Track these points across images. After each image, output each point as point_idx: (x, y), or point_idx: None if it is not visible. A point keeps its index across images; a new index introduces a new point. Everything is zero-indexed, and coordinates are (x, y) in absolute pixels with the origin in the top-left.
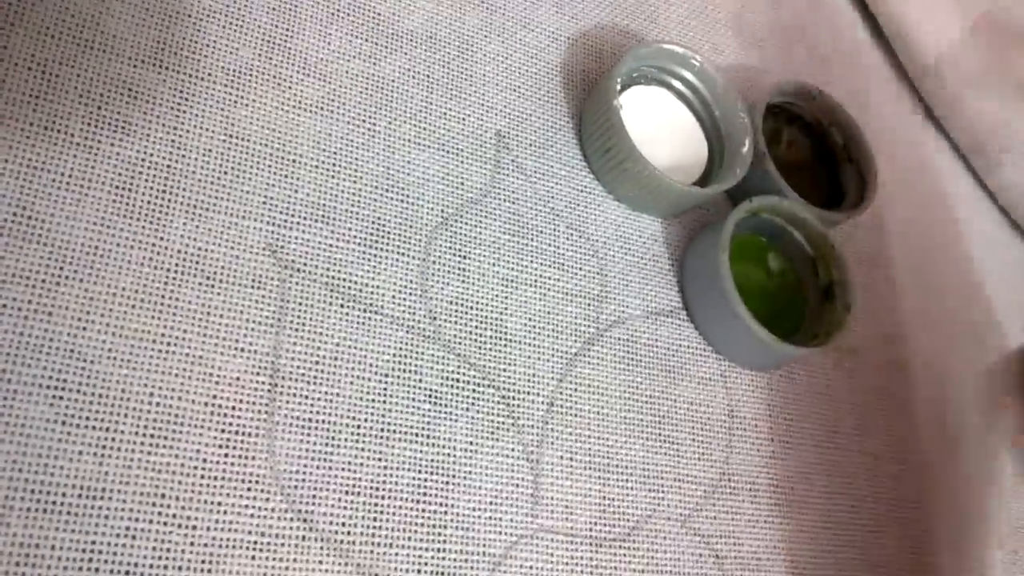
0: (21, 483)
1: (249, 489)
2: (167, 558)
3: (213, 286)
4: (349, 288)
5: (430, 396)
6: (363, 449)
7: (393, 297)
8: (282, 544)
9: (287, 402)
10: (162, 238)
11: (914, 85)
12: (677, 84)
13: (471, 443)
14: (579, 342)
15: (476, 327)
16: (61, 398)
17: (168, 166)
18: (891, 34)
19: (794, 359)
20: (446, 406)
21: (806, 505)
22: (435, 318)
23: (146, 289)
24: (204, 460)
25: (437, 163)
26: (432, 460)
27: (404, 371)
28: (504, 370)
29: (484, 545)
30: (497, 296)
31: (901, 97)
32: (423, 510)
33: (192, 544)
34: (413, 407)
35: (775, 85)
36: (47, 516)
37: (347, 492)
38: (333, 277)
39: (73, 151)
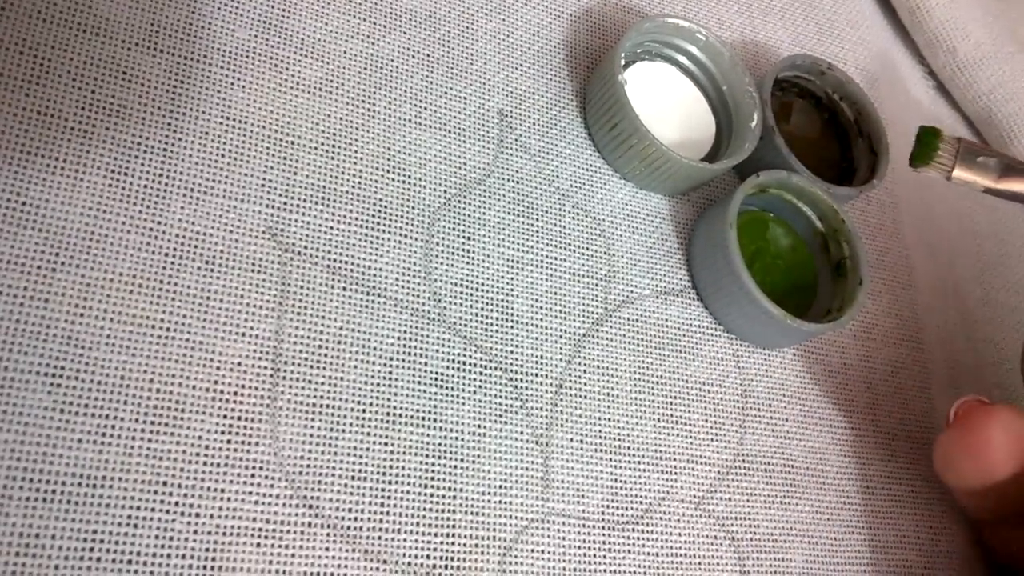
0: (20, 472)
1: (253, 476)
2: (170, 546)
3: (212, 270)
4: (351, 271)
5: (436, 379)
6: (369, 434)
7: (396, 279)
8: (287, 531)
9: (290, 387)
10: (159, 222)
11: (925, 58)
12: (682, 59)
13: (479, 426)
14: (587, 323)
15: (482, 309)
16: (59, 385)
17: (164, 150)
18: (901, 7)
19: (807, 337)
20: (453, 389)
21: (822, 485)
22: (440, 300)
23: (144, 274)
24: (206, 447)
25: (439, 143)
26: (439, 444)
27: (409, 354)
28: (511, 352)
29: (494, 529)
30: (503, 277)
31: (912, 70)
32: (431, 495)
33: (195, 532)
34: (419, 391)
35: (783, 59)
36: (47, 505)
37: (353, 477)
38: (335, 260)
39: (67, 136)
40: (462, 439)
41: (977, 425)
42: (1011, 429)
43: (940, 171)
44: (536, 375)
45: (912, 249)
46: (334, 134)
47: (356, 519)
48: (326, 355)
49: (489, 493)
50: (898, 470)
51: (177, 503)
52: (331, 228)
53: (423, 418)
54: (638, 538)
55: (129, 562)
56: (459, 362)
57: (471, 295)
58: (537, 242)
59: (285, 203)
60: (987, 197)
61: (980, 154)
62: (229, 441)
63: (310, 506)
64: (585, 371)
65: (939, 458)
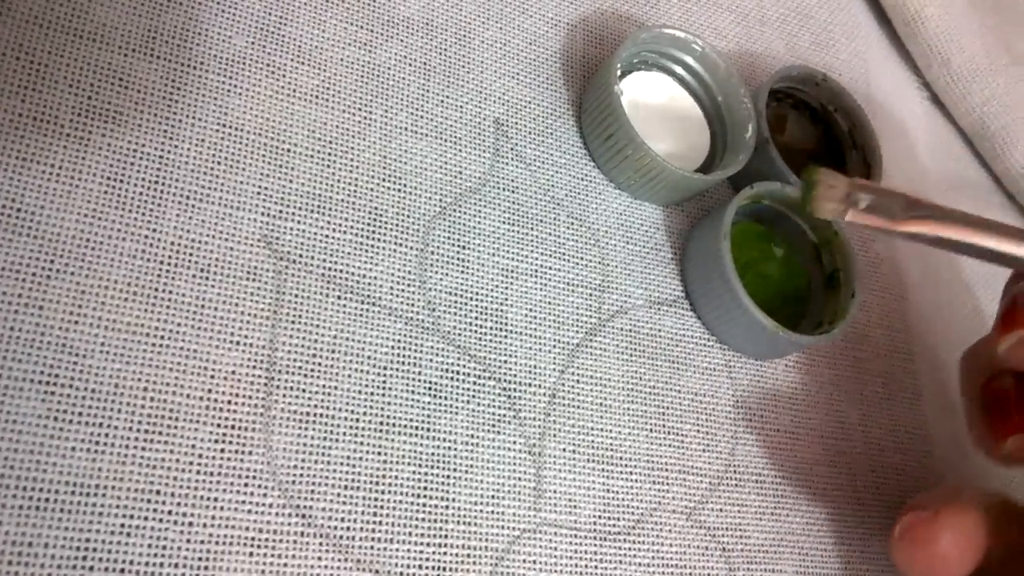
0: (13, 480)
1: (246, 485)
2: (163, 555)
3: (207, 278)
4: (346, 279)
5: (430, 388)
6: (362, 443)
7: (391, 288)
8: (280, 540)
9: (284, 396)
10: (155, 230)
11: (920, 70)
12: (679, 70)
13: (472, 436)
14: (581, 333)
15: (476, 318)
16: (53, 393)
17: (160, 156)
18: (896, 18)
19: (798, 348)
20: (446, 399)
21: (813, 497)
22: (434, 309)
23: (139, 282)
24: (200, 455)
25: (435, 152)
26: (432, 454)
27: (403, 363)
28: (505, 361)
29: (487, 539)
30: (497, 287)
31: (907, 82)
32: (424, 504)
33: (188, 541)
34: (412, 400)
35: (779, 70)
36: (40, 513)
37: (346, 487)
38: (330, 268)
39: (63, 142)
40: (455, 449)
41: (924, 541)
42: (959, 535)
43: (833, 213)
44: (529, 385)
45: (905, 262)
46: (330, 142)
47: (349, 528)
48: (320, 364)
49: (482, 503)
50: (888, 481)
51: (170, 512)
52: (326, 236)
53: (416, 427)
54: (630, 548)
55: (122, 571)
56: (453, 371)
57: (465, 304)
58: (532, 251)
59: (280, 211)
60: (980, 209)
61: (876, 194)
62: (222, 450)
63: (303, 515)
64: (578, 381)
65: (897, 564)
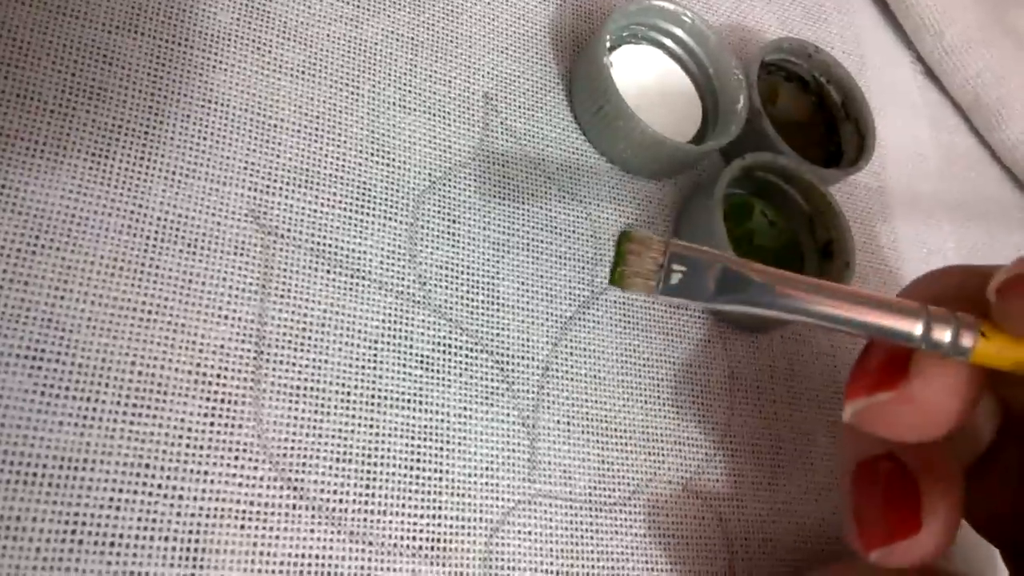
0: (0, 455)
1: (236, 458)
2: (153, 529)
3: (195, 253)
4: (335, 254)
5: (421, 362)
6: (353, 416)
7: (381, 262)
8: (272, 513)
9: (274, 369)
10: (141, 205)
11: (912, 42)
12: (669, 42)
13: (465, 408)
14: (574, 305)
15: (467, 292)
16: (40, 368)
17: (146, 132)
18: None
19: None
20: (438, 372)
21: (810, 466)
22: (425, 283)
23: (125, 257)
24: (189, 429)
25: (424, 126)
26: (425, 426)
27: (394, 337)
28: (497, 335)
29: (481, 511)
30: (488, 260)
31: (899, 54)
32: (417, 477)
33: (179, 514)
34: (404, 373)
35: (770, 42)
36: (28, 488)
37: (338, 460)
38: (318, 243)
39: (47, 118)
40: (448, 421)
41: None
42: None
43: (641, 288)
44: (522, 358)
45: (900, 233)
46: (317, 117)
47: (341, 501)
48: (310, 338)
49: (475, 475)
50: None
51: (160, 485)
52: (314, 211)
53: (408, 400)
54: (625, 519)
55: (112, 544)
56: (445, 345)
57: (456, 278)
58: (523, 225)
59: (268, 186)
60: (975, 181)
61: (694, 264)
62: (212, 423)
63: (295, 488)
64: (572, 353)
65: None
